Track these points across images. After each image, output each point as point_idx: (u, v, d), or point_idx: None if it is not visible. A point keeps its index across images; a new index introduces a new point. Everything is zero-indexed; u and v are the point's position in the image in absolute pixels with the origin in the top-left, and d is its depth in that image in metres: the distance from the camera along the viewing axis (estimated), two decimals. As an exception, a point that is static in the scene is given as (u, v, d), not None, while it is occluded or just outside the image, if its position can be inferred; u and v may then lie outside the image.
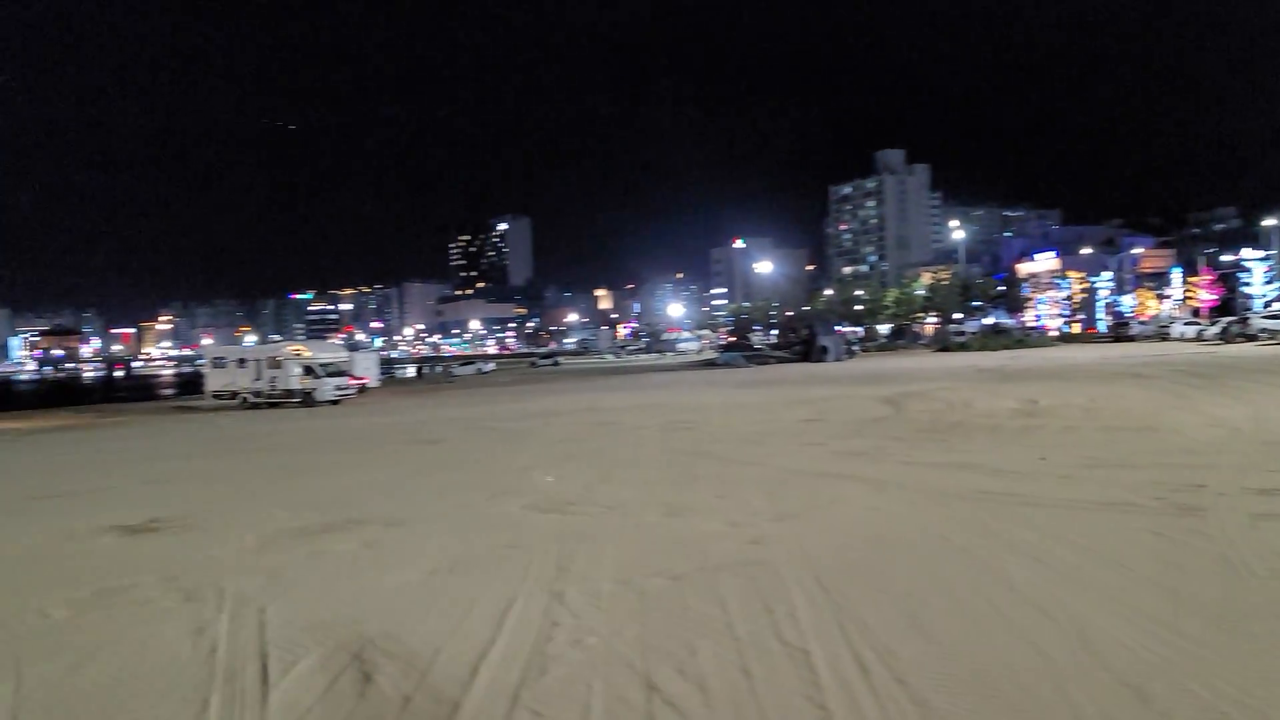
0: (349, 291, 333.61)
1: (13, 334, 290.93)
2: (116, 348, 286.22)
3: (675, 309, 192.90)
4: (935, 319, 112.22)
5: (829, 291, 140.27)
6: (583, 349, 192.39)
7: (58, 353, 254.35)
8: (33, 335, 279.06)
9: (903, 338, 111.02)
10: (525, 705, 4.87)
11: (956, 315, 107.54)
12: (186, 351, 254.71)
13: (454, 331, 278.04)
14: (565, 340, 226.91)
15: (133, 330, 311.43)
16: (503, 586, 7.30)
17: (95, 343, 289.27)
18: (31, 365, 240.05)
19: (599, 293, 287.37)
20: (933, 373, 37.78)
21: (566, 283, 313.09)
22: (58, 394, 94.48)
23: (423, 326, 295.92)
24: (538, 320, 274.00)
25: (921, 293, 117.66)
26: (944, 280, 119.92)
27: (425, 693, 5.10)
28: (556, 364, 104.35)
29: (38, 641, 6.40)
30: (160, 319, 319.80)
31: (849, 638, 5.71)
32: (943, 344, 76.75)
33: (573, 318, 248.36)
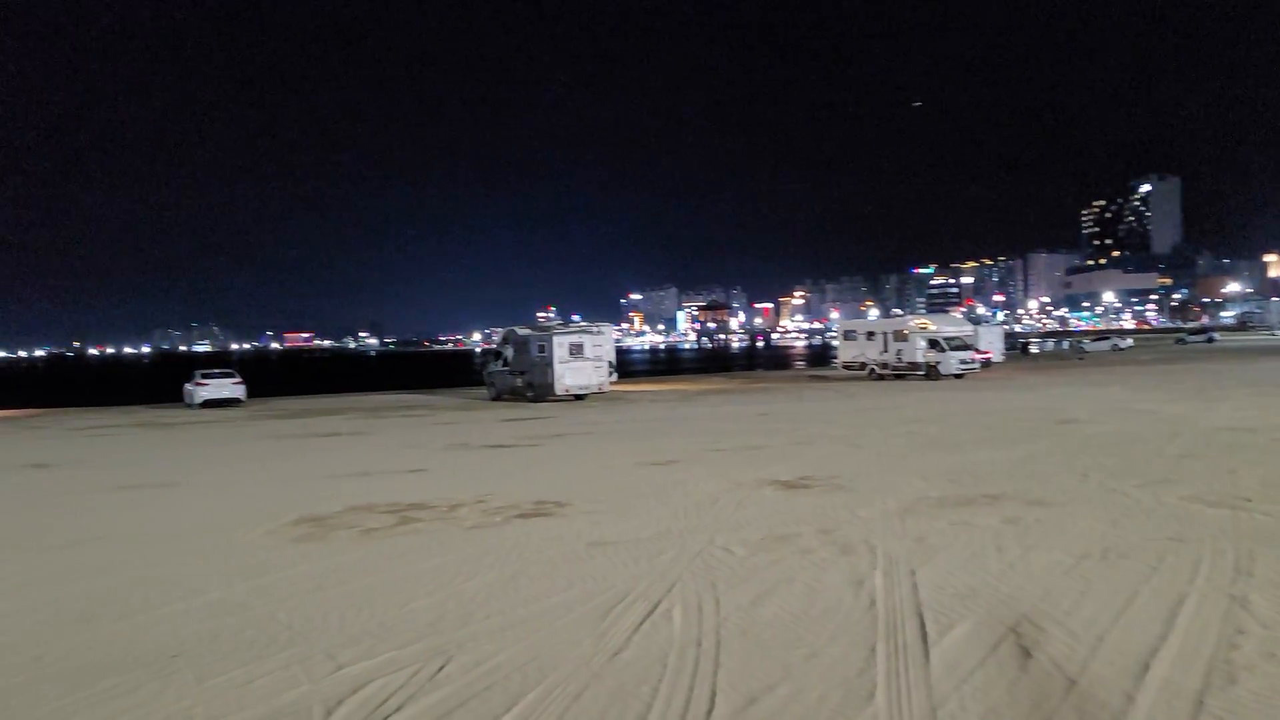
0: (970, 264, 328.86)
1: (679, 309, 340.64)
2: (758, 321, 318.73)
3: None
4: None
5: None
6: (1243, 324, 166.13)
7: (711, 325, 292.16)
8: (693, 310, 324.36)
9: None
10: (1211, 712, 4.43)
11: None
12: (816, 325, 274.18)
13: (1083, 305, 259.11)
14: (1221, 314, 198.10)
15: (771, 305, 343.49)
16: (1168, 582, 6.69)
17: (741, 316, 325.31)
18: (692, 336, 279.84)
19: (1268, 258, 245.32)
20: None
21: (1224, 249, 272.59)
22: (712, 361, 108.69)
23: (1048, 299, 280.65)
24: (1186, 292, 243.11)
25: None
26: None
27: (1091, 679, 4.90)
28: (1210, 340, 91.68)
29: (727, 573, 7.48)
30: (794, 295, 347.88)
31: None
32: None
33: (1233, 288, 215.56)
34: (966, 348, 40.92)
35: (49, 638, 6.35)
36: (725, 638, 5.82)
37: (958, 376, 39.00)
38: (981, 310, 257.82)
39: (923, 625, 5.92)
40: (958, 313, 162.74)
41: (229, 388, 36.86)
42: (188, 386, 37.48)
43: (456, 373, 67.66)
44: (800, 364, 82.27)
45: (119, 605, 7.15)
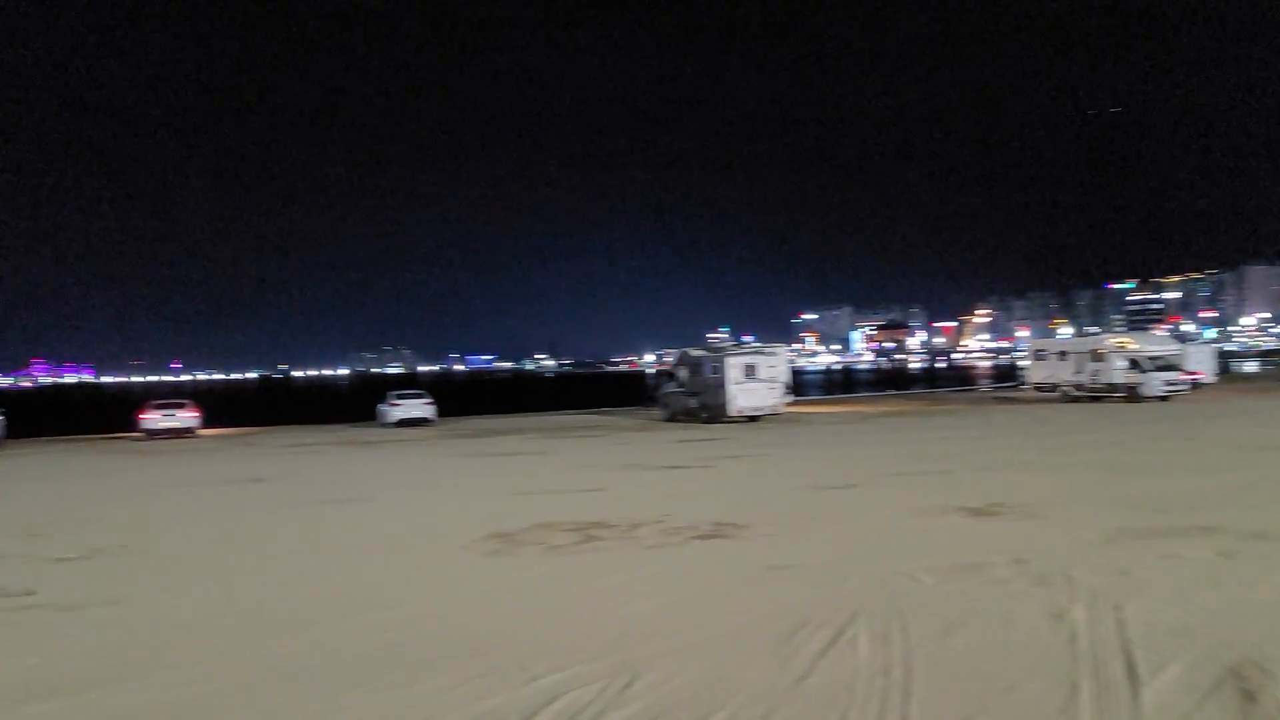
0: (1175, 279, 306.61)
1: (853, 328, 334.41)
2: (938, 340, 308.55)
3: None
4: None
5: None
6: None
7: (889, 345, 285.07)
8: (869, 329, 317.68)
9: None
10: None
11: None
12: (1003, 344, 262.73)
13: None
14: None
15: (954, 324, 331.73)
16: None
17: (921, 336, 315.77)
18: (868, 356, 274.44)
19: None
20: None
21: None
22: (888, 382, 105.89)
23: (1267, 315, 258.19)
24: None
25: None
26: None
27: (1328, 731, 4.50)
28: None
29: (913, 602, 7.27)
30: (978, 313, 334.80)
31: None
32: None
33: None
34: (1172, 368, 38.21)
35: (265, 642, 6.89)
36: (915, 667, 5.66)
37: (1162, 399, 36.47)
38: (1190, 328, 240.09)
39: (1130, 663, 5.58)
40: (1161, 330, 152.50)
41: (420, 408, 38.77)
42: (382, 406, 39.66)
43: (630, 393, 68.62)
44: (985, 385, 78.95)
45: (329, 611, 7.66)
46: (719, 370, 32.74)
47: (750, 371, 32.68)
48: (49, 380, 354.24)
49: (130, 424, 37.44)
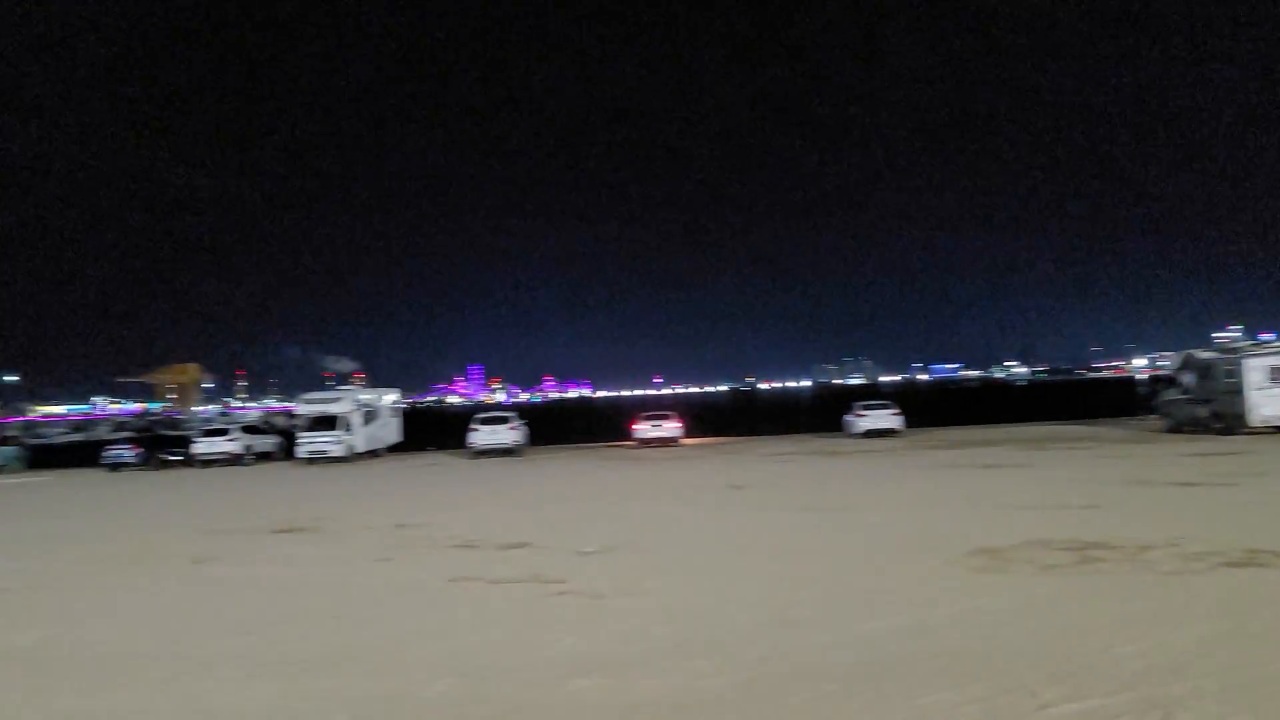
0: None
1: None
2: None
3: None
4: None
5: None
6: None
7: None
8: None
9: None
10: None
11: None
12: None
13: None
14: None
15: None
16: None
17: None
18: None
19: None
20: None
21: None
22: None
23: None
24: None
25: None
26: None
27: None
28: None
29: None
30: None
31: None
32: None
33: None
34: None
35: (761, 641, 7.17)
36: None
37: None
38: None
39: None
40: None
41: (887, 418, 38.49)
42: (848, 417, 39.98)
43: (1118, 402, 61.98)
44: None
45: (818, 616, 7.80)
46: (1236, 373, 28.43)
47: (1278, 375, 27.95)
48: (556, 395, 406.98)
49: (624, 433, 41.70)
